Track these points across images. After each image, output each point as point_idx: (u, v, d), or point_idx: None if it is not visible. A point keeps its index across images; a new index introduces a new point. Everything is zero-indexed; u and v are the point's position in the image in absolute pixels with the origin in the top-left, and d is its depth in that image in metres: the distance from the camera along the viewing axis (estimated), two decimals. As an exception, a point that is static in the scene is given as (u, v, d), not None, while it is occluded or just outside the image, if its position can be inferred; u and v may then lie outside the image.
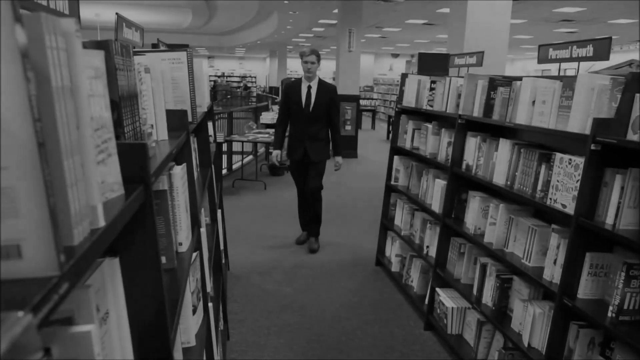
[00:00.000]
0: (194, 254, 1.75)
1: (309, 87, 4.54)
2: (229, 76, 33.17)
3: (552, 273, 2.24)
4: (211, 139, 3.53)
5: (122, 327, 0.89)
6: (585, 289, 2.06)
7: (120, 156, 0.84)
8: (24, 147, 0.45)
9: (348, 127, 10.41)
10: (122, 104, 0.97)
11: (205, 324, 1.84)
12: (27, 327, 0.37)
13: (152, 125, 1.42)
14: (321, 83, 4.58)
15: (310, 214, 4.87)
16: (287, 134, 4.93)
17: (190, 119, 1.93)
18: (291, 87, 4.65)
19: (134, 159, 0.87)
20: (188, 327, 1.61)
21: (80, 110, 0.61)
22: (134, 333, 0.94)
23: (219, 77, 32.58)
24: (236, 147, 8.78)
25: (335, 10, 11.91)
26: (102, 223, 0.64)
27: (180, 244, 1.55)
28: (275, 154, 4.87)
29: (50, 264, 0.47)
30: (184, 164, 1.66)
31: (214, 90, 20.57)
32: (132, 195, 0.80)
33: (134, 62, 1.14)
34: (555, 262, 2.22)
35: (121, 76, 0.99)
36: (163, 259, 1.38)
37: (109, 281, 0.88)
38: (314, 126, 4.55)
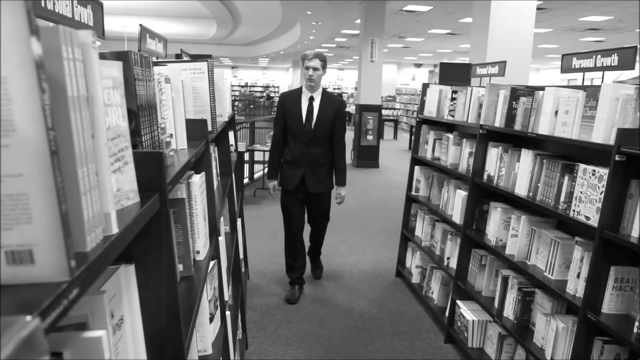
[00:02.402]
0: (212, 262, 1.77)
1: (311, 99, 3.69)
2: (253, 86, 33.50)
3: (576, 287, 2.19)
4: (232, 148, 3.57)
5: (136, 333, 0.91)
6: (609, 304, 2.00)
7: (137, 165, 0.86)
8: (37, 155, 0.46)
9: (370, 137, 10.40)
10: (141, 114, 0.99)
11: (223, 332, 1.84)
12: (34, 331, 0.38)
13: (171, 135, 1.45)
14: (326, 95, 3.74)
15: (310, 249, 4.20)
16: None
17: (210, 129, 1.96)
18: (288, 98, 3.76)
19: (150, 167, 0.89)
20: (205, 335, 1.62)
21: (96, 120, 0.63)
22: (149, 339, 0.95)
23: (242, 86, 32.94)
24: (258, 156, 8.84)
25: (358, 21, 11.96)
26: (115, 230, 0.65)
27: (198, 252, 1.56)
28: (272, 185, 3.89)
29: (61, 270, 0.48)
30: (203, 173, 1.68)
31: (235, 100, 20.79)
32: (147, 203, 0.81)
33: (154, 73, 1.17)
34: (578, 276, 2.17)
35: (140, 86, 1.01)
36: (180, 267, 1.40)
37: (125, 288, 0.89)
38: (315, 148, 3.69)
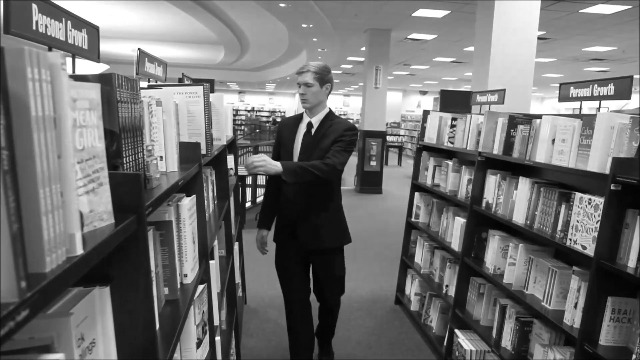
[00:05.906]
0: (201, 286, 1.75)
1: (309, 126, 2.78)
2: (259, 111, 33.80)
3: (573, 317, 2.14)
4: (232, 172, 3.58)
5: (109, 357, 0.89)
6: (607, 335, 1.96)
7: (115, 186, 0.86)
8: (-12, 174, 0.46)
9: (373, 163, 10.42)
10: (123, 135, 0.99)
11: (210, 357, 1.81)
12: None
13: (160, 157, 1.45)
14: (329, 119, 2.77)
15: (319, 328, 3.25)
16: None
17: (204, 152, 1.96)
18: (286, 125, 2.90)
19: (128, 189, 0.89)
20: (191, 360, 1.59)
21: (64, 140, 0.63)
22: (123, 364, 0.94)
23: (249, 111, 33.26)
24: (260, 180, 8.85)
25: (363, 48, 12.10)
26: (79, 251, 0.65)
27: (185, 275, 1.55)
28: (259, 237, 3.00)
29: (10, 291, 0.47)
30: (194, 196, 1.68)
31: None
32: (120, 225, 0.80)
33: (141, 95, 1.18)
34: (575, 306, 2.14)
35: (124, 108, 1.01)
36: (165, 290, 1.39)
37: (99, 310, 0.88)
38: (309, 189, 2.75)
